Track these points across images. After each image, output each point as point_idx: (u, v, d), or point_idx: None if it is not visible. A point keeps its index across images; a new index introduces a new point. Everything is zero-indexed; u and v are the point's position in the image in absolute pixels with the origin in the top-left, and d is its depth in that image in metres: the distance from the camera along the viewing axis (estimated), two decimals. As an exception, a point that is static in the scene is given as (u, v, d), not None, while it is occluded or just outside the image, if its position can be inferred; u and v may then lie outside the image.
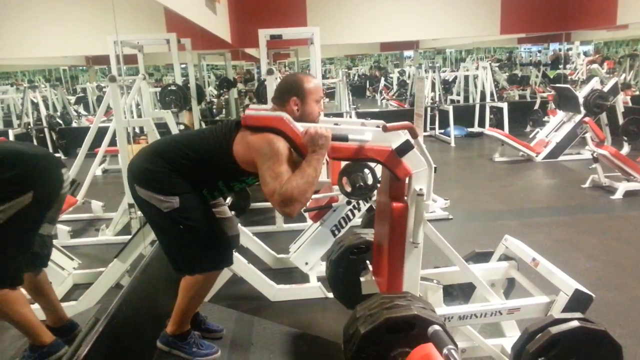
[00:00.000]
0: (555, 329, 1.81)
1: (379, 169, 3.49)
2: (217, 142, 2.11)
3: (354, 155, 2.07)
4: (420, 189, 2.06)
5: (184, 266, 2.19)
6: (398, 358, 1.67)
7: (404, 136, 2.04)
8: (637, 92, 10.33)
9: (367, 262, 2.54)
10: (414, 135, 2.08)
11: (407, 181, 2.12)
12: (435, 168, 2.11)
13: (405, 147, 2.02)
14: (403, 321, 1.69)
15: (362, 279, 2.48)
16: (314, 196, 3.64)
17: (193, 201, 2.12)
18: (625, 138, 7.03)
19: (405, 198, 2.15)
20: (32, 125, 8.75)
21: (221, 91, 9.83)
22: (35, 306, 2.35)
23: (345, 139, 2.04)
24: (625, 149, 7.08)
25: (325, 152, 1.99)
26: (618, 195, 5.49)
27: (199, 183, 2.14)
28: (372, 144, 2.04)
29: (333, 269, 2.65)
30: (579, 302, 2.16)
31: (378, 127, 2.06)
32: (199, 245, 2.14)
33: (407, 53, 14.79)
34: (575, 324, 1.82)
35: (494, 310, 2.23)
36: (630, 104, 9.09)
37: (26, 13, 5.23)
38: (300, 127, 2.02)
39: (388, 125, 2.02)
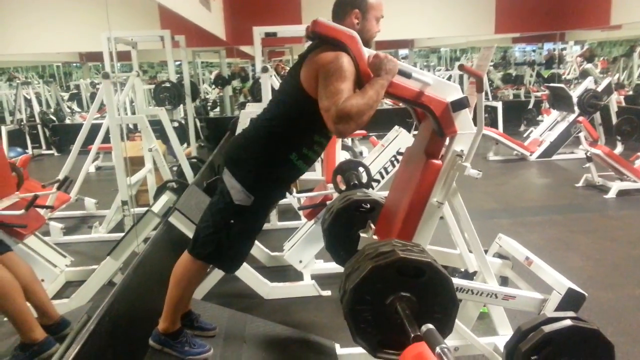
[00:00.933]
0: (547, 328, 1.81)
1: (373, 166, 3.49)
2: (290, 91, 2.06)
3: (410, 96, 1.98)
4: (462, 150, 2.02)
5: (201, 250, 2.17)
6: (396, 302, 1.63)
7: (461, 93, 1.99)
8: (631, 92, 10.38)
9: (370, 222, 2.49)
10: (480, 88, 2.02)
11: (447, 141, 2.06)
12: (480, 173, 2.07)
13: (461, 103, 1.96)
14: (415, 266, 1.65)
15: (362, 234, 2.38)
16: (308, 194, 3.64)
17: (262, 208, 2.16)
18: (619, 137, 7.09)
19: (441, 157, 2.09)
20: (25, 121, 8.70)
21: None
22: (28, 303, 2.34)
23: (409, 75, 1.94)
24: (619, 148, 7.14)
25: (391, 79, 1.89)
26: (611, 194, 5.52)
27: (295, 145, 2.07)
28: (430, 90, 1.97)
29: (333, 219, 2.57)
30: (571, 300, 2.16)
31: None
32: (229, 244, 2.15)
33: (402, 52, 14.77)
34: (567, 322, 1.82)
35: (490, 291, 2.20)
36: (623, 104, 9.14)
37: (19, 9, 5.19)
38: (366, 52, 1.94)
39: (464, 65, 1.98)
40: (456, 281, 2.17)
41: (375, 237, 2.32)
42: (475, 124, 2.06)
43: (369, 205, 2.56)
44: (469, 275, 2.58)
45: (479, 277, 2.48)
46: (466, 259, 2.33)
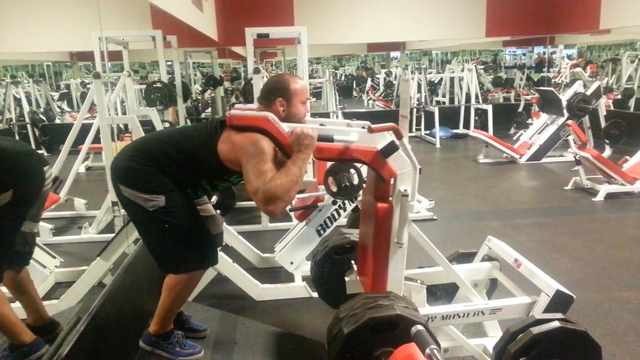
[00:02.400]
0: (536, 330, 1.83)
1: (364, 169, 3.50)
2: (202, 140, 2.10)
3: (339, 155, 2.08)
4: (405, 190, 2.08)
5: (170, 265, 2.17)
6: (381, 358, 1.67)
7: (389, 137, 2.06)
8: (619, 96, 10.49)
9: (352, 262, 2.55)
10: (399, 136, 2.09)
11: (392, 182, 2.13)
12: (420, 169, 2.12)
13: (390, 148, 2.04)
14: (386, 321, 1.70)
15: (346, 278, 2.49)
16: (299, 195, 3.64)
17: (179, 200, 2.11)
18: (607, 141, 7.15)
19: (390, 199, 2.16)
20: (14, 121, 8.62)
21: (206, 88, 9.77)
22: (16, 304, 2.31)
23: (330, 139, 2.04)
24: (607, 151, 7.21)
25: (311, 152, 1.99)
26: (599, 197, 5.58)
27: (183, 182, 2.12)
28: (357, 144, 2.05)
29: (318, 268, 2.66)
30: (560, 302, 2.19)
31: (363, 128, 2.07)
32: (184, 244, 2.12)
33: (393, 54, 14.85)
34: (556, 324, 1.85)
35: (476, 310, 2.26)
36: (612, 108, 9.24)
37: (9, 8, 5.15)
38: (286, 127, 2.02)
39: (373, 126, 2.04)
40: (441, 310, 2.24)
41: (358, 278, 2.42)
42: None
43: (348, 246, 2.63)
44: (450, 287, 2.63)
45: (461, 292, 2.53)
46: (450, 273, 2.36)
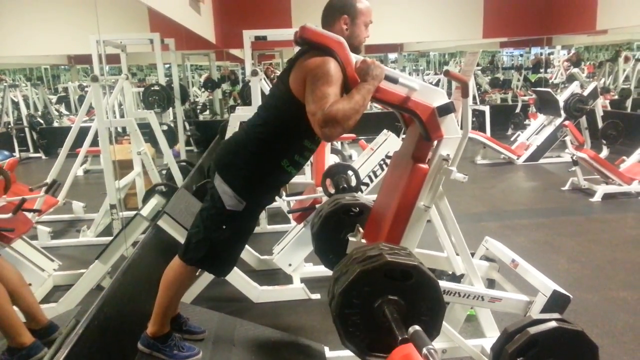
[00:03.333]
0: (533, 330, 1.83)
1: (364, 168, 3.51)
2: (279, 95, 2.07)
3: (397, 101, 2.00)
4: (448, 155, 2.04)
5: (192, 256, 2.18)
6: (384, 305, 1.64)
7: (446, 98, 2.02)
8: (616, 97, 10.52)
9: (358, 225, 2.49)
10: (465, 93, 2.05)
11: (434, 144, 2.08)
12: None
13: (446, 108, 1.99)
14: (402, 269, 1.66)
15: (351, 238, 2.39)
16: (297, 197, 3.65)
17: (252, 215, 2.18)
18: (604, 141, 7.17)
19: (428, 160, 2.12)
20: (12, 124, 8.62)
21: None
22: (16, 308, 2.32)
23: (395, 80, 1.96)
24: (604, 152, 7.23)
25: (377, 84, 1.91)
26: (597, 197, 5.59)
27: (285, 151, 2.09)
28: (417, 96, 1.99)
29: (322, 223, 2.58)
30: (557, 303, 2.19)
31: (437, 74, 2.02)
32: (220, 250, 2.17)
33: (391, 56, 14.84)
34: (553, 324, 1.85)
35: (477, 294, 2.24)
36: (609, 108, 9.26)
37: (7, 11, 5.16)
38: (354, 57, 1.95)
39: (451, 71, 2.03)
40: (443, 284, 2.20)
41: (363, 240, 2.33)
42: (461, 128, 2.09)
43: (357, 209, 2.58)
44: (456, 278, 2.61)
45: (466, 280, 2.51)
46: (453, 261, 2.35)
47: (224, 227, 2.12)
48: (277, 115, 2.08)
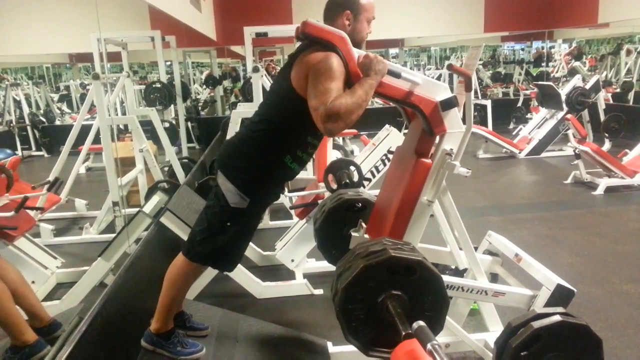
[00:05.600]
0: (537, 324, 1.83)
1: (366, 164, 3.51)
2: (281, 92, 2.06)
3: (400, 96, 1.99)
4: (451, 149, 2.04)
5: (196, 252, 2.18)
6: (387, 300, 1.64)
7: (449, 93, 2.01)
8: (618, 90, 10.48)
9: (361, 220, 2.49)
10: (469, 87, 2.04)
11: (437, 139, 2.08)
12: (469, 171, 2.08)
13: (450, 103, 1.98)
14: (406, 264, 1.66)
15: (353, 233, 2.40)
16: (300, 193, 3.65)
17: (257, 212, 2.18)
18: (607, 135, 7.16)
19: (431, 155, 2.11)
20: (14, 123, 8.63)
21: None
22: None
23: (398, 75, 1.96)
24: (607, 145, 7.21)
25: (380, 80, 1.91)
26: (599, 191, 5.58)
27: (288, 148, 2.08)
28: (420, 90, 1.98)
29: (325, 219, 2.59)
30: (560, 296, 2.19)
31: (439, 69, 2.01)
32: (225, 247, 2.16)
33: (392, 51, 14.80)
34: (556, 318, 1.85)
35: (480, 288, 2.23)
36: (611, 101, 9.23)
37: (8, 10, 5.15)
38: (356, 53, 1.95)
39: (454, 65, 2.02)
40: (446, 279, 2.19)
41: (366, 236, 2.33)
42: (464, 123, 2.08)
43: (360, 205, 2.57)
44: (459, 273, 2.61)
45: (469, 274, 2.50)
46: (456, 256, 2.35)
47: (229, 224, 2.12)
48: (279, 112, 2.07)
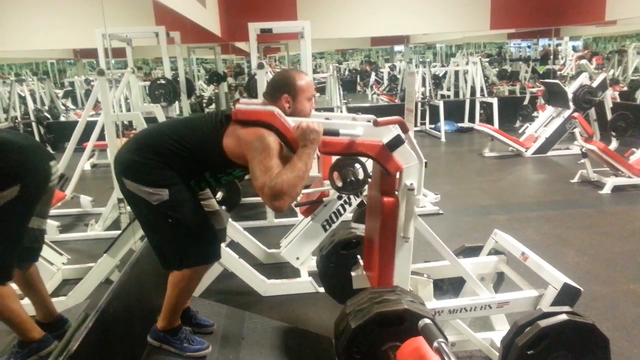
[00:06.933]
0: (543, 323, 1.83)
1: (370, 163, 3.50)
2: (207, 133, 2.09)
3: (345, 150, 2.07)
4: (411, 184, 2.08)
5: (172, 261, 2.17)
6: (389, 352, 1.67)
7: (394, 131, 2.05)
8: (625, 88, 10.42)
9: (359, 256, 2.55)
10: (405, 130, 2.08)
11: (398, 176, 2.12)
12: (425, 163, 2.12)
13: (396, 142, 2.03)
14: (393, 315, 1.70)
15: (353, 273, 2.49)
16: (305, 191, 3.64)
17: (183, 194, 2.10)
18: (614, 133, 7.11)
19: (397, 193, 2.15)
20: (19, 119, 8.66)
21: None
22: (25, 301, 2.33)
23: (336, 133, 2.03)
24: (614, 144, 7.17)
25: (317, 146, 1.99)
26: (606, 190, 5.55)
27: (186, 174, 2.12)
28: (363, 138, 2.04)
29: (324, 263, 2.66)
30: (567, 295, 2.18)
31: (369, 121, 2.06)
32: (187, 240, 2.12)
33: (397, 48, 14.81)
34: (563, 317, 1.84)
35: (483, 304, 2.25)
36: (618, 100, 9.17)
37: (13, 6, 5.16)
38: (291, 121, 2.01)
39: (379, 119, 2.04)
40: (447, 304, 2.24)
41: (364, 272, 2.42)
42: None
43: (355, 241, 2.63)
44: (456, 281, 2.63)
45: (467, 286, 2.52)
46: (457, 267, 2.35)
47: (170, 220, 2.07)
48: (198, 145, 2.08)
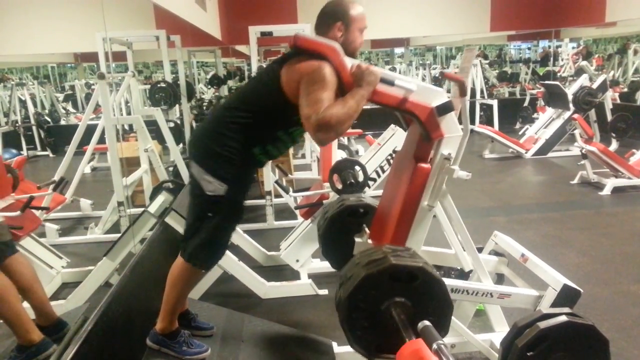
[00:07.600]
0: (543, 324, 1.82)
1: (371, 164, 3.50)
2: (267, 84, 2.07)
3: (394, 103, 2.00)
4: (449, 154, 2.04)
5: (186, 247, 2.18)
6: (390, 307, 1.64)
7: (445, 97, 2.01)
8: (626, 89, 10.41)
9: (364, 225, 2.49)
10: (463, 92, 2.04)
11: (435, 144, 2.08)
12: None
13: (446, 107, 1.99)
14: (408, 271, 1.65)
15: (357, 239, 2.42)
16: (304, 193, 3.65)
17: (236, 196, 2.14)
18: (614, 135, 7.11)
19: (430, 160, 2.11)
20: (20, 123, 8.67)
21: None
22: (24, 304, 2.33)
23: (392, 83, 1.97)
24: (614, 145, 7.16)
25: (372, 90, 1.93)
26: (606, 191, 5.55)
27: (262, 139, 2.10)
28: (415, 97, 1.99)
29: (328, 225, 2.60)
30: (567, 297, 2.18)
31: (434, 68, 2.00)
32: (208, 238, 2.14)
33: (397, 50, 14.80)
34: (563, 318, 1.84)
35: (486, 290, 2.23)
36: (618, 101, 9.17)
37: (13, 9, 5.17)
38: (349, 62, 1.96)
39: (446, 72, 2.01)
40: (451, 282, 2.20)
41: (369, 241, 2.34)
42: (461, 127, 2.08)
43: (362, 210, 2.58)
44: (464, 275, 2.60)
45: (474, 276, 2.49)
46: (461, 258, 2.34)
47: (210, 214, 2.10)
48: (259, 103, 2.08)
